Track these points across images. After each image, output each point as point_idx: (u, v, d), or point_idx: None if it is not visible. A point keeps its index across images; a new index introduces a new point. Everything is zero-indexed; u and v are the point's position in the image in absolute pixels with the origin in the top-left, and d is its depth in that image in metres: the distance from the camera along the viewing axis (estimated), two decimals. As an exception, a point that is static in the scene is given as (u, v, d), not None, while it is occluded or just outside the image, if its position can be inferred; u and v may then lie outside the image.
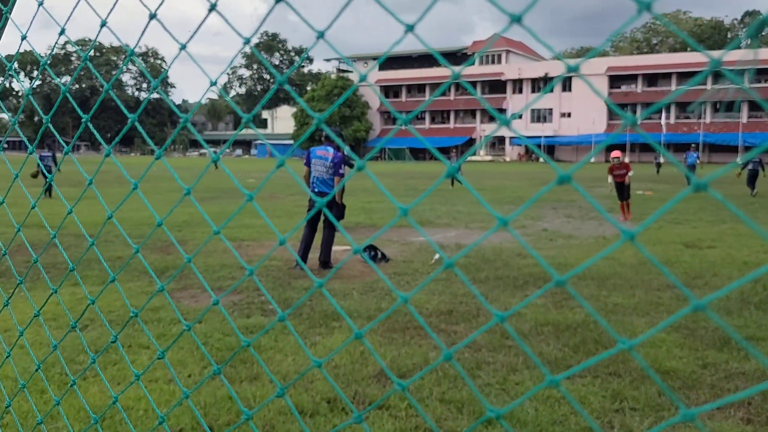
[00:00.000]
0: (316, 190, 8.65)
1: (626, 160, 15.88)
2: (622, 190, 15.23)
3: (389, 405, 4.06)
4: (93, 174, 1.69)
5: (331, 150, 8.72)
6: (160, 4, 1.32)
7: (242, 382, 4.46)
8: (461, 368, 3.87)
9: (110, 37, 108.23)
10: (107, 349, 5.04)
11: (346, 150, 0.96)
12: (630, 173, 15.12)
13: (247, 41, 1.10)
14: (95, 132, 1.62)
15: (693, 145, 30.59)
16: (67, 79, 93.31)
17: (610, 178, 15.46)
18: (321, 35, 0.94)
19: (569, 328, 5.80)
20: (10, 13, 1.96)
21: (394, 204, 0.90)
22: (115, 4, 1.44)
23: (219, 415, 3.91)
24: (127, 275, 7.93)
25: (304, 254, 8.60)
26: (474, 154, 73.67)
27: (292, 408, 1.29)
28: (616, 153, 15.69)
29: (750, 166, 22.54)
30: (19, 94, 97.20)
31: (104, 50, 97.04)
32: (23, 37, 1.83)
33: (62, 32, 1.50)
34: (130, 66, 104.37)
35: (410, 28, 0.82)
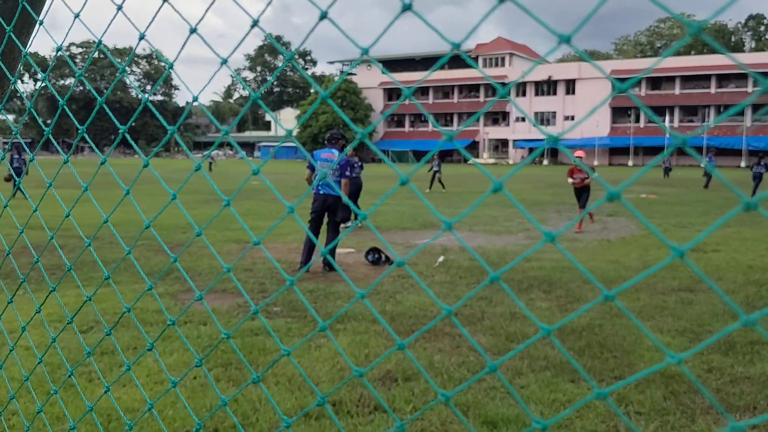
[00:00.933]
0: (321, 192, 8.66)
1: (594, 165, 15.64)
2: (581, 196, 14.04)
3: (394, 408, 4.06)
4: (91, 177, 1.70)
5: (336, 153, 8.74)
6: (159, 9, 1.33)
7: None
8: (467, 372, 3.84)
9: (114, 39, 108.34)
10: (112, 352, 5.06)
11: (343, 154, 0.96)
12: (594, 175, 14.55)
13: (255, 22, 1.10)
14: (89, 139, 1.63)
15: (710, 150, 30.75)
16: (71, 81, 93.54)
17: (570, 181, 14.22)
18: (365, 51, 0.94)
19: (574, 332, 5.80)
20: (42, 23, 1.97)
21: (436, 215, 0.91)
22: (116, 14, 1.45)
23: (225, 417, 3.92)
24: (132, 277, 7.94)
25: (308, 256, 8.60)
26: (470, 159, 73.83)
27: (331, 409, 1.29)
28: (579, 152, 14.60)
29: (754, 169, 22.72)
30: (24, 95, 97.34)
31: (109, 52, 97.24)
32: (58, 48, 1.84)
33: (98, 44, 1.51)
34: (134, 68, 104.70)
35: (456, 46, 0.82)
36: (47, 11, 1.88)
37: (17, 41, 1.87)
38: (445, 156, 79.53)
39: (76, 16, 1.54)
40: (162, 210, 1.66)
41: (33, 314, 2.12)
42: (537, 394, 4.30)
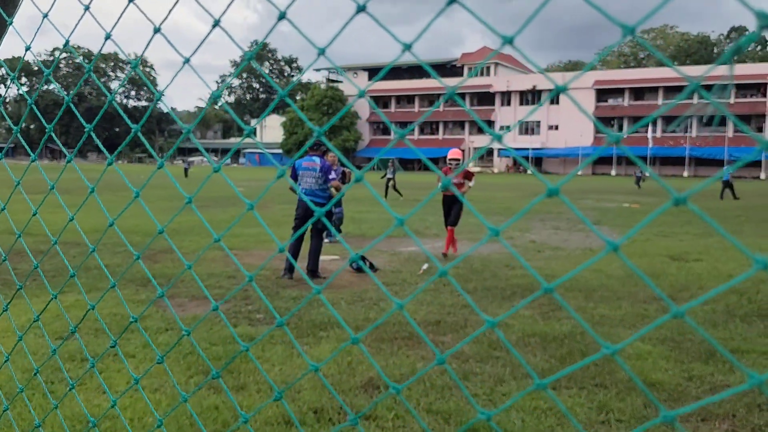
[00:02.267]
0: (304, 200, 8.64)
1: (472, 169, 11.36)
2: (451, 209, 10.91)
3: (377, 415, 4.05)
4: (53, 181, 1.69)
5: (317, 160, 8.77)
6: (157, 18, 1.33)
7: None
8: (449, 379, 3.86)
9: (97, 43, 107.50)
10: (93, 357, 5.01)
11: (346, 163, 0.96)
12: (470, 184, 10.78)
13: (216, 22, 1.11)
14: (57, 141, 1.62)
15: (727, 161, 31.40)
16: (53, 86, 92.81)
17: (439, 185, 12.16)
18: (322, 51, 0.95)
19: (556, 339, 5.82)
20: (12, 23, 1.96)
21: (391, 214, 0.91)
22: (119, 19, 1.44)
23: (205, 424, 3.89)
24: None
25: (291, 263, 8.58)
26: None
27: (291, 415, 1.29)
28: (455, 153, 10.82)
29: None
30: (7, 100, 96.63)
31: (93, 57, 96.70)
32: (27, 48, 1.83)
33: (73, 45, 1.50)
34: (119, 74, 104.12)
35: (407, 47, 0.83)
36: (17, 10, 1.87)
37: None
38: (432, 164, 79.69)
39: (45, 15, 1.53)
40: (120, 213, 1.65)
41: (32, 322, 2.10)
42: (518, 402, 4.31)
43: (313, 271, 8.71)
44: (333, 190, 8.82)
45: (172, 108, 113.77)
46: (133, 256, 7.52)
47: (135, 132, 1.32)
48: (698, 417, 4.14)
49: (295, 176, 8.89)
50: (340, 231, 11.93)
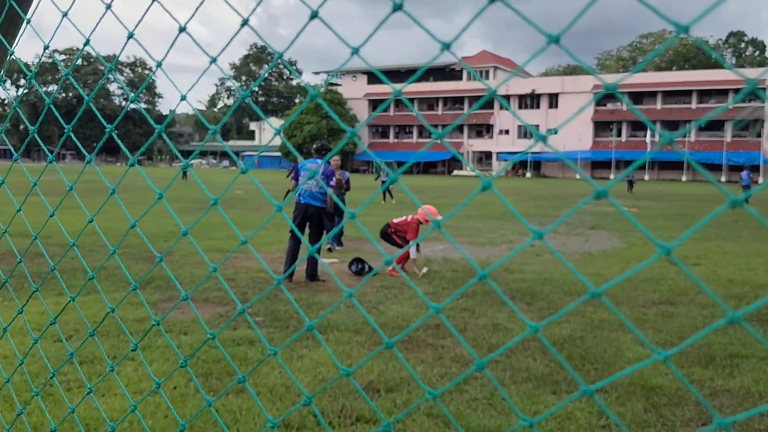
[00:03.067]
0: (302, 201, 8.64)
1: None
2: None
3: (377, 419, 4.04)
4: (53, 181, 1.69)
5: (320, 162, 8.75)
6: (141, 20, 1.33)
7: (228, 395, 4.43)
8: (448, 383, 3.86)
9: (98, 46, 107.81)
10: (92, 361, 5.01)
11: (383, 167, 0.96)
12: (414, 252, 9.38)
13: (245, 21, 1.11)
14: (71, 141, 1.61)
15: (745, 168, 31.41)
16: (54, 88, 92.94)
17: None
18: (355, 51, 0.95)
19: (556, 344, 5.82)
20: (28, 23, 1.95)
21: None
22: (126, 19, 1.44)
23: (205, 428, 3.88)
24: (113, 285, 7.88)
25: (291, 264, 8.55)
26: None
27: (318, 415, 1.29)
28: (431, 212, 9.50)
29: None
30: (5, 102, 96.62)
31: (92, 59, 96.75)
32: (11, 53, 1.83)
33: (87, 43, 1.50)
34: (118, 75, 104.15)
35: (446, 46, 0.82)
36: (35, 10, 1.87)
37: (3, 40, 1.85)
38: (429, 168, 79.82)
39: (64, 14, 1.53)
40: (137, 213, 1.65)
41: (15, 316, 2.10)
42: (519, 406, 4.31)
43: (312, 275, 8.68)
44: (336, 187, 8.88)
45: (170, 110, 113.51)
46: (135, 258, 7.52)
47: (110, 130, 1.32)
48: (699, 422, 4.14)
49: (296, 178, 8.90)
50: (341, 243, 11.87)
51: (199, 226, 13.93)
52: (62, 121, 1.57)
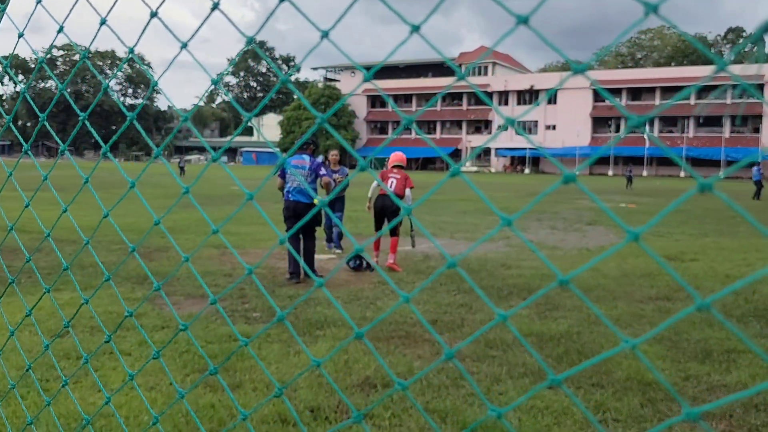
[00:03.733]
0: (291, 199, 8.48)
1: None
2: (388, 219, 9.39)
3: (373, 414, 4.04)
4: (42, 174, 1.68)
5: (306, 158, 8.62)
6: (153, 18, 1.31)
7: (224, 390, 4.42)
8: (445, 378, 3.85)
9: (96, 42, 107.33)
10: (87, 354, 5.00)
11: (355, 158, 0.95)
12: (408, 194, 9.38)
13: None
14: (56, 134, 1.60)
15: (759, 162, 31.20)
16: (52, 83, 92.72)
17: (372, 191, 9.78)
18: (325, 34, 0.94)
19: (553, 339, 5.82)
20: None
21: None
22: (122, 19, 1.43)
23: (201, 422, 3.87)
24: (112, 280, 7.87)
25: (296, 264, 8.38)
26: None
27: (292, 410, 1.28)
28: (399, 158, 9.66)
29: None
30: (3, 97, 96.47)
31: (90, 55, 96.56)
32: (20, 34, 1.81)
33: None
34: (116, 71, 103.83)
35: (416, 29, 0.82)
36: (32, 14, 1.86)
37: None
38: (428, 164, 79.74)
39: (61, 28, 1.52)
40: (112, 205, 1.64)
41: (23, 317, 2.09)
42: (515, 401, 4.30)
43: (306, 273, 8.57)
44: (323, 188, 8.66)
45: (168, 106, 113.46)
46: (126, 253, 7.51)
47: (130, 120, 1.31)
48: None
49: (283, 176, 8.69)
50: (339, 241, 11.56)
51: (199, 221, 13.91)
52: (38, 111, 1.56)
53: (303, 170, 8.54)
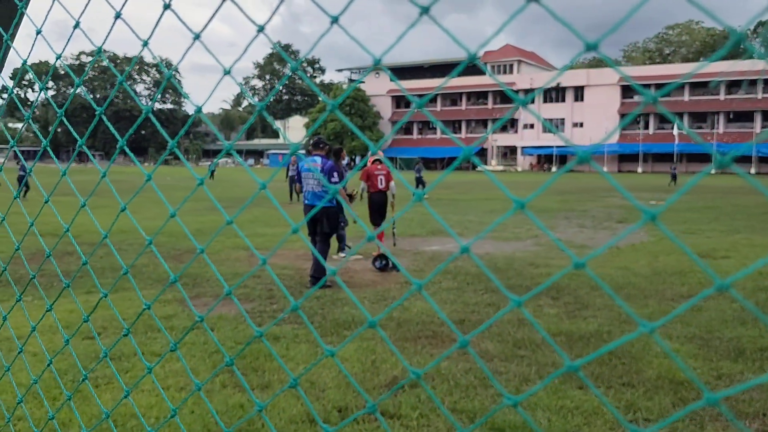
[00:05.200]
0: (307, 203, 8.30)
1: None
2: (383, 209, 9.98)
3: (400, 414, 4.05)
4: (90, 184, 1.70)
5: (319, 160, 8.28)
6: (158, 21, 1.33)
7: (254, 390, 4.46)
8: (473, 378, 3.82)
9: (124, 47, 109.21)
10: (119, 358, 5.07)
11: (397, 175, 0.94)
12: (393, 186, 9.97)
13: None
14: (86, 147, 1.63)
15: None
16: (82, 89, 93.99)
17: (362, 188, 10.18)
18: (335, 20, 0.94)
19: (582, 338, 5.77)
20: (12, 41, 1.98)
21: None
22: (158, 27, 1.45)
23: (231, 422, 3.91)
24: (141, 283, 7.97)
25: (316, 268, 8.18)
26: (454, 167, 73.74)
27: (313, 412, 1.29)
28: (374, 159, 10.09)
29: None
30: (34, 104, 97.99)
31: (119, 60, 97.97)
32: (38, 34, 1.84)
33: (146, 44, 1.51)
34: (144, 77, 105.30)
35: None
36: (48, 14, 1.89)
37: None
38: (452, 162, 79.50)
39: (76, 25, 1.54)
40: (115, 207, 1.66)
41: (43, 313, 2.13)
42: (545, 401, 4.28)
43: (317, 277, 8.16)
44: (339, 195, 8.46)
45: (201, 113, 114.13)
46: (163, 255, 7.59)
47: (171, 146, 1.33)
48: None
49: (300, 180, 8.44)
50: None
51: (227, 225, 14.01)
52: (57, 108, 1.59)
53: (315, 173, 8.26)
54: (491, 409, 4.17)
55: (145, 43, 1.28)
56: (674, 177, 37.85)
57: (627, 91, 73.12)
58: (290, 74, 1.02)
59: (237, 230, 1.26)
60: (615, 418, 4.04)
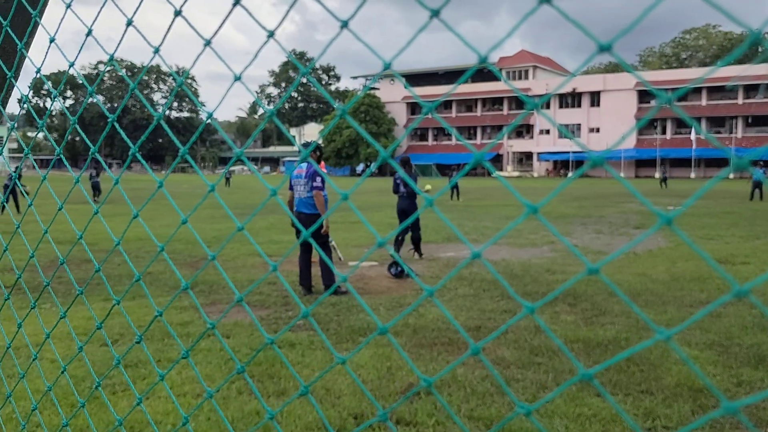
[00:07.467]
0: (296, 210, 8.08)
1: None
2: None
3: (416, 422, 4.03)
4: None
5: (303, 166, 8.01)
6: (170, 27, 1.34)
7: (269, 397, 4.46)
8: (490, 385, 3.80)
9: (141, 56, 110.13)
10: (136, 365, 5.09)
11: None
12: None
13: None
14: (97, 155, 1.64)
15: (761, 162, 31.35)
16: (99, 98, 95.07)
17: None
18: (345, 24, 0.94)
19: (600, 345, 5.72)
20: (27, 50, 2.00)
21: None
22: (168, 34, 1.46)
23: (246, 429, 3.91)
24: (157, 290, 8.01)
25: (306, 276, 8.14)
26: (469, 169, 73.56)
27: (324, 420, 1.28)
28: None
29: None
30: (53, 113, 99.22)
31: (136, 70, 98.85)
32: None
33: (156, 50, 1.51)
34: (161, 85, 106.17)
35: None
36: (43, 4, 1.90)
37: (13, 36, 1.88)
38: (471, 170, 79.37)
39: (89, 32, 1.55)
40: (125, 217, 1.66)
41: (57, 320, 2.14)
42: (562, 408, 4.24)
43: (329, 286, 7.98)
44: (317, 200, 7.93)
45: (213, 118, 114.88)
46: (179, 263, 7.64)
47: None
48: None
49: (291, 187, 8.24)
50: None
51: (241, 232, 14.07)
52: (89, 142, 1.60)
53: (300, 179, 8.07)
54: (507, 417, 4.14)
55: (156, 50, 1.28)
56: (664, 180, 38.83)
57: (644, 95, 72.66)
58: (300, 80, 1.02)
59: (248, 237, 1.26)
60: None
